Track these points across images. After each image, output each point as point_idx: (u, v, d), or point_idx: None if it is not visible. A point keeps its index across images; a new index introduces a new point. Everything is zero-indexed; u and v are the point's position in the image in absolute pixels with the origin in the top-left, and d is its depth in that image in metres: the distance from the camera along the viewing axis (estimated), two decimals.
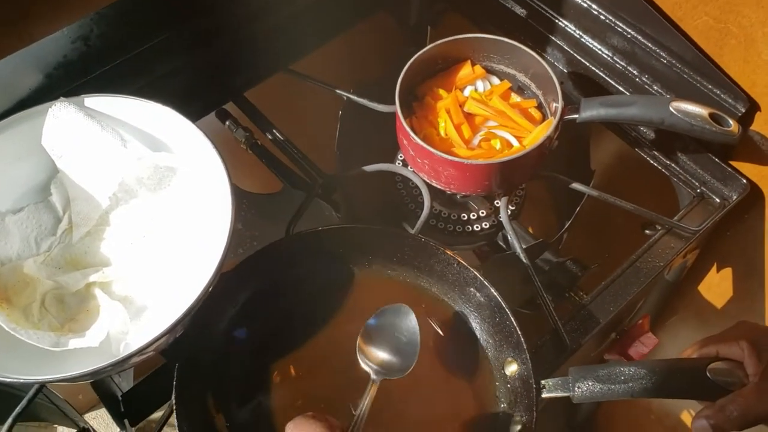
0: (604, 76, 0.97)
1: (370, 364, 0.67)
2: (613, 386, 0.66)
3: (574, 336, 0.80)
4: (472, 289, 0.76)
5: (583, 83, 1.00)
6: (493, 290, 0.73)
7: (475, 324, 0.77)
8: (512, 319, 0.72)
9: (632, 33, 0.91)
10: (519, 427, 0.69)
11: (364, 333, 0.69)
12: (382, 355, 0.68)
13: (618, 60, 0.95)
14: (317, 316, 0.77)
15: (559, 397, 0.68)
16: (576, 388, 0.66)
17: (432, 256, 0.77)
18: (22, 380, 0.63)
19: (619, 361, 0.94)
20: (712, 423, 0.64)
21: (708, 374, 0.65)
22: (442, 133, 0.88)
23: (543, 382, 0.69)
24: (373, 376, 0.67)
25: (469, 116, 0.89)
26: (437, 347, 0.75)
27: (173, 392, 0.69)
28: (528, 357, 0.70)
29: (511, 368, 0.73)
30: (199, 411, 0.71)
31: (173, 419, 0.70)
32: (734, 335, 0.67)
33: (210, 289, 0.66)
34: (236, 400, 0.72)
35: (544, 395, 0.68)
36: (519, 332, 0.71)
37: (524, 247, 0.86)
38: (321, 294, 0.78)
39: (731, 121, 0.80)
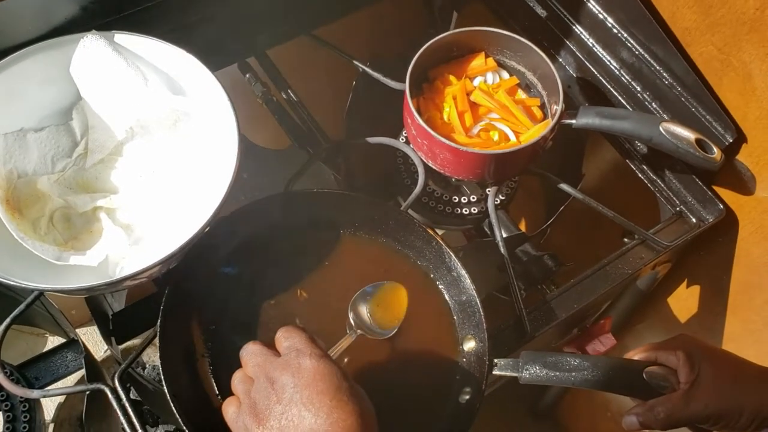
0: (609, 86, 1.00)
1: (359, 320, 0.74)
2: (557, 373, 0.70)
3: (536, 325, 0.85)
4: (445, 268, 0.79)
5: (588, 90, 1.02)
6: (463, 272, 0.77)
7: (447, 298, 0.80)
8: (477, 300, 0.75)
9: (641, 51, 0.94)
10: (467, 397, 0.74)
11: (361, 293, 0.75)
12: (370, 317, 0.75)
13: (624, 74, 0.98)
14: (301, 267, 0.80)
15: (508, 375, 0.72)
16: (524, 370, 0.71)
17: (413, 232, 0.80)
18: (23, 285, 0.66)
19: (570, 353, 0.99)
20: (640, 420, 0.70)
21: (644, 376, 0.71)
22: (445, 117, 0.91)
23: (496, 360, 0.73)
24: (356, 329, 0.73)
25: (473, 105, 0.92)
26: (412, 315, 0.78)
27: (160, 313, 0.71)
28: (486, 337, 0.74)
29: (470, 344, 0.76)
30: (181, 335, 0.75)
31: (156, 342, 0.73)
32: (673, 345, 0.72)
33: (207, 228, 0.69)
34: (217, 330, 0.76)
35: (495, 372, 0.72)
36: (482, 313, 0.75)
37: (504, 236, 0.90)
38: (308, 248, 0.82)
39: (715, 149, 0.83)
